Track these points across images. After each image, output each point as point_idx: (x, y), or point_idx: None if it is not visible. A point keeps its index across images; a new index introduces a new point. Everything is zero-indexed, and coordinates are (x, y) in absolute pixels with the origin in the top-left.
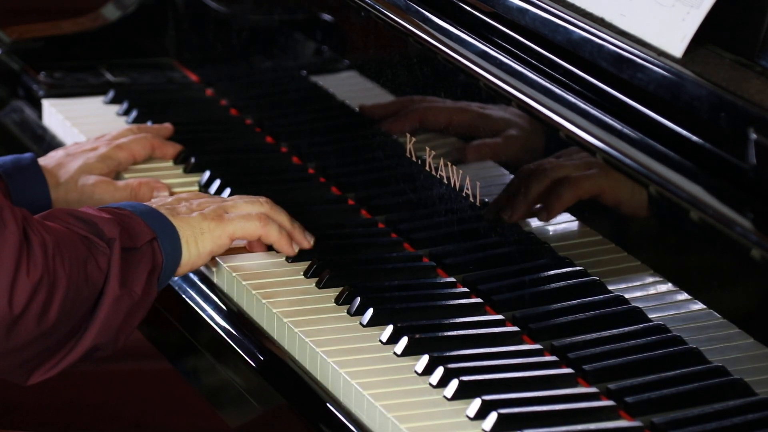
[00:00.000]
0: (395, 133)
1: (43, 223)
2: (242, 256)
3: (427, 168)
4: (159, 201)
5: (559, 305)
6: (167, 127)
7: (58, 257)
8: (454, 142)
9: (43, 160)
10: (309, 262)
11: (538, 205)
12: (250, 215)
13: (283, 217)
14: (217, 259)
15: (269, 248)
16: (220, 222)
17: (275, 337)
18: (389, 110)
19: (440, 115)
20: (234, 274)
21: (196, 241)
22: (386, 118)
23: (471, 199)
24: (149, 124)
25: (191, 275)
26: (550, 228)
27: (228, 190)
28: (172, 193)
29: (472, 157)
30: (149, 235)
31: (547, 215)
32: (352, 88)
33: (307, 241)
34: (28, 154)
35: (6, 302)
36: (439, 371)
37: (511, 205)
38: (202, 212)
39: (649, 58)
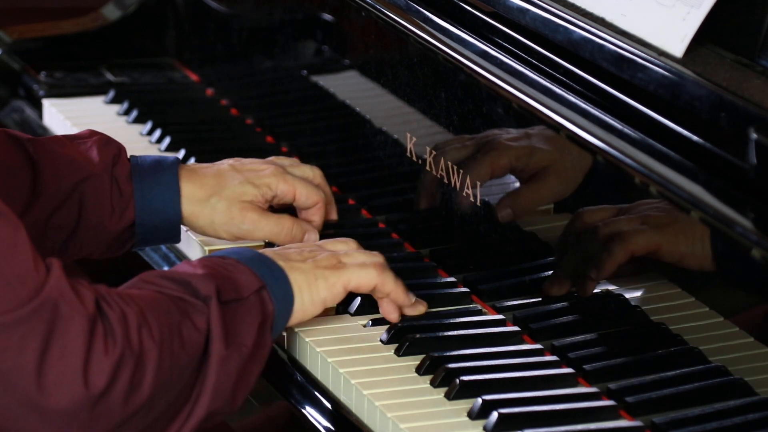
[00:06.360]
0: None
1: (124, 295)
2: None
3: (427, 168)
4: (267, 249)
5: (559, 305)
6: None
7: (144, 329)
8: (455, 142)
9: (203, 166)
10: None
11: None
12: (366, 263)
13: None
14: None
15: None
16: (335, 270)
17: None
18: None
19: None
20: None
21: (310, 288)
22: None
23: (471, 198)
24: (149, 123)
25: None
26: (551, 228)
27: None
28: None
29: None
30: (256, 284)
31: (597, 274)
32: (352, 88)
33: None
34: (171, 157)
35: (81, 385)
36: (440, 371)
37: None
38: (315, 259)
39: (649, 58)
